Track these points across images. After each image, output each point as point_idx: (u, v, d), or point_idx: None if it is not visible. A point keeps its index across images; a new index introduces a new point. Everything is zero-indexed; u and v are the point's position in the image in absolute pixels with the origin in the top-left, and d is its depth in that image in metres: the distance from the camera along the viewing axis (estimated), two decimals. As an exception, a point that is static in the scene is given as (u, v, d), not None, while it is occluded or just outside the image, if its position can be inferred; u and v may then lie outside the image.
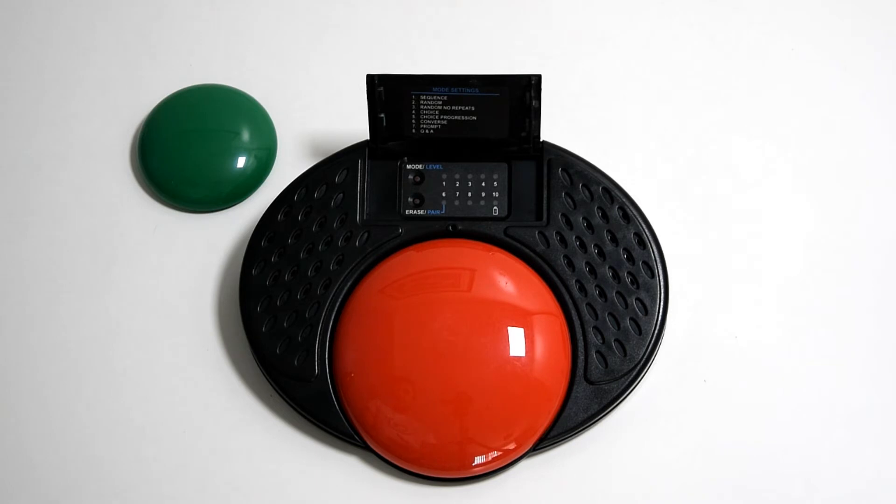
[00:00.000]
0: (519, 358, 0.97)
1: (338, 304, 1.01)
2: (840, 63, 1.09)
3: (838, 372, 1.01)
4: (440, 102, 1.01)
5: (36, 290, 1.05)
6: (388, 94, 1.01)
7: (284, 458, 1.00)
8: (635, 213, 1.01)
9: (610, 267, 1.00)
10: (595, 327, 0.99)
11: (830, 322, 1.03)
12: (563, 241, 1.01)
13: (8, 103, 1.10)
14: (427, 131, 1.02)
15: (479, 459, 0.97)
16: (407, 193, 1.03)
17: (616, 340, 0.99)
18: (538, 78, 1.00)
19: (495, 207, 1.02)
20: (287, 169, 1.07)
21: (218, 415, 1.02)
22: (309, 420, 1.00)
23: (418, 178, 1.03)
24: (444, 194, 1.03)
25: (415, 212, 1.03)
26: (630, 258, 1.01)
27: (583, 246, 1.01)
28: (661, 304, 1.00)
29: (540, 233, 1.01)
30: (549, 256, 1.01)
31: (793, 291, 1.03)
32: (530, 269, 1.01)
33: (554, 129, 1.04)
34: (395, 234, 1.02)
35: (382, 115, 1.02)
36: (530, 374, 0.98)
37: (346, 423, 0.99)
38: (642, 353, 0.99)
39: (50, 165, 1.08)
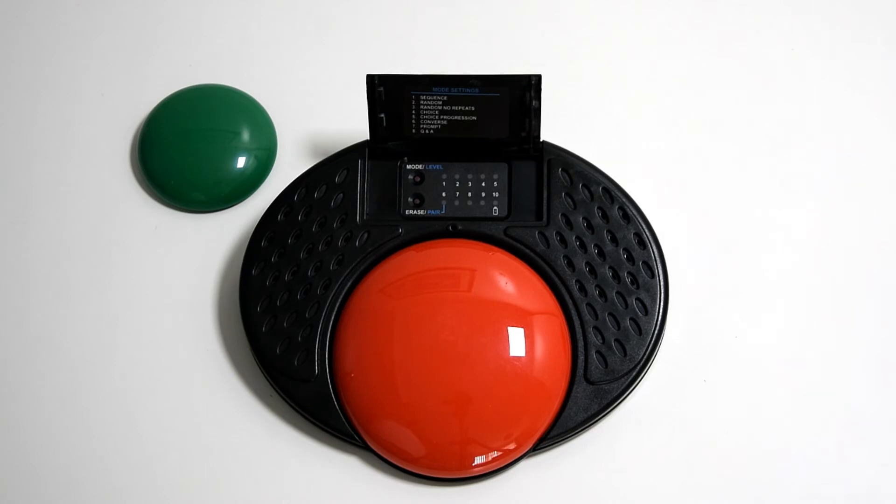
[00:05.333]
0: (519, 358, 0.97)
1: (338, 304, 1.01)
2: (840, 63, 1.09)
3: (838, 372, 1.01)
4: (440, 102, 1.01)
5: (36, 290, 1.05)
6: (388, 94, 1.01)
7: (284, 458, 1.00)
8: (635, 213, 1.01)
9: (610, 267, 1.00)
10: (595, 327, 0.99)
11: (830, 322, 1.03)
12: (563, 241, 1.01)
13: (8, 103, 1.10)
14: (427, 131, 1.02)
15: (479, 459, 0.97)
16: (407, 193, 1.03)
17: (616, 340, 0.99)
18: (538, 78, 1.00)
19: (495, 207, 1.02)
20: (287, 169, 1.07)
21: (218, 415, 1.02)
22: (309, 420, 1.00)
23: (418, 178, 1.03)
24: (444, 194, 1.03)
25: (415, 212, 1.03)
26: (630, 258, 1.01)
27: (583, 246, 1.01)
28: (661, 304, 1.00)
29: (540, 233, 1.01)
30: (549, 256, 1.01)
31: (793, 291, 1.03)
32: (530, 269, 1.01)
33: (554, 129, 1.04)
34: (395, 234, 1.02)
35: (382, 115, 1.02)
36: (530, 374, 0.98)
37: (346, 423, 0.99)
38: (642, 353, 0.99)
39: (50, 165, 1.08)
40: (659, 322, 1.00)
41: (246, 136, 1.07)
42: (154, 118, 1.08)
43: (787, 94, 1.09)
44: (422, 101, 1.01)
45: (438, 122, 1.01)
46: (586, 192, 1.02)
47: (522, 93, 1.00)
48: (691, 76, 1.09)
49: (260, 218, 1.03)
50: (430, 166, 1.03)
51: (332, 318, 1.00)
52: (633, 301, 1.00)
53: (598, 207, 1.01)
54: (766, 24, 1.11)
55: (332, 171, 1.03)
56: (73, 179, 1.08)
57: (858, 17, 1.11)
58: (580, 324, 0.99)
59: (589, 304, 1.00)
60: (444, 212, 1.03)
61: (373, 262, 1.01)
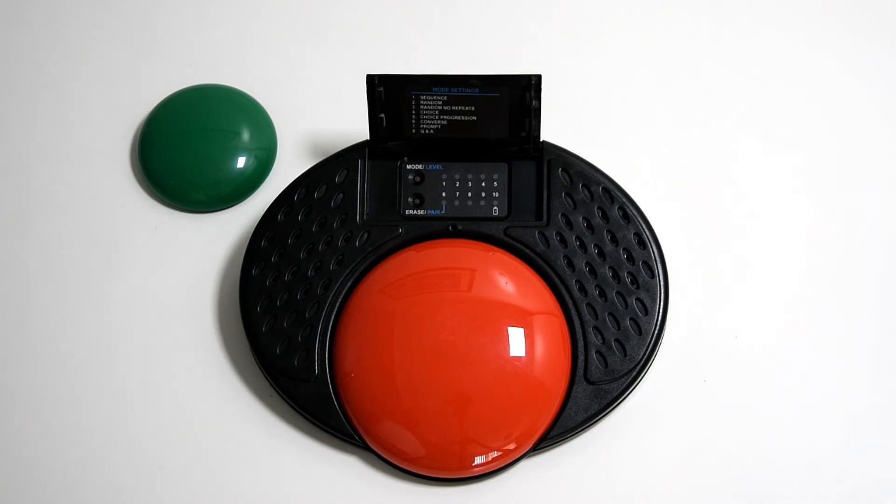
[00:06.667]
0: (519, 358, 0.97)
1: (338, 304, 1.01)
2: (840, 62, 1.09)
3: (839, 372, 1.01)
4: (440, 102, 1.01)
5: (36, 290, 1.05)
6: (388, 94, 1.01)
7: (284, 458, 1.00)
8: (635, 213, 1.01)
9: (610, 267, 1.00)
10: (595, 327, 0.99)
11: (831, 322, 1.03)
12: (563, 241, 1.01)
13: (8, 103, 1.10)
14: (427, 131, 1.02)
15: (479, 459, 0.97)
16: (407, 193, 1.03)
17: (616, 340, 0.99)
18: (538, 78, 1.00)
19: (495, 207, 1.02)
20: (287, 169, 1.07)
21: (218, 415, 1.02)
22: (309, 420, 1.00)
23: (418, 178, 1.03)
24: (444, 194, 1.03)
25: (415, 212, 1.03)
26: (630, 258, 1.01)
27: (583, 246, 1.01)
28: (661, 304, 1.00)
29: (540, 233, 1.01)
30: (549, 256, 1.01)
31: (793, 291, 1.03)
32: (530, 269, 1.01)
33: (554, 129, 1.04)
34: (395, 234, 1.02)
35: (382, 115, 1.02)
36: (530, 374, 0.98)
37: (346, 423, 0.99)
38: (642, 353, 0.99)
39: (50, 165, 1.08)
40: (659, 322, 1.00)
41: (246, 136, 1.07)
42: (154, 118, 1.08)
43: (789, 93, 1.09)
44: (422, 101, 1.01)
45: (438, 122, 1.01)
46: (586, 192, 1.02)
47: (522, 93, 1.00)
48: (692, 76, 1.09)
49: (260, 218, 1.03)
50: (430, 166, 1.03)
51: (332, 318, 1.00)
52: (633, 301, 1.00)
53: (598, 207, 1.01)
54: (767, 25, 1.11)
55: (332, 171, 1.03)
56: (73, 179, 1.08)
57: (858, 16, 1.11)
58: (580, 324, 0.99)
59: (589, 304, 1.00)
60: (444, 212, 1.03)
61: (373, 262, 1.01)
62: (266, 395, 1.02)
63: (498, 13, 1.12)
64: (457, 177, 1.03)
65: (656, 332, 0.99)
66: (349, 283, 1.01)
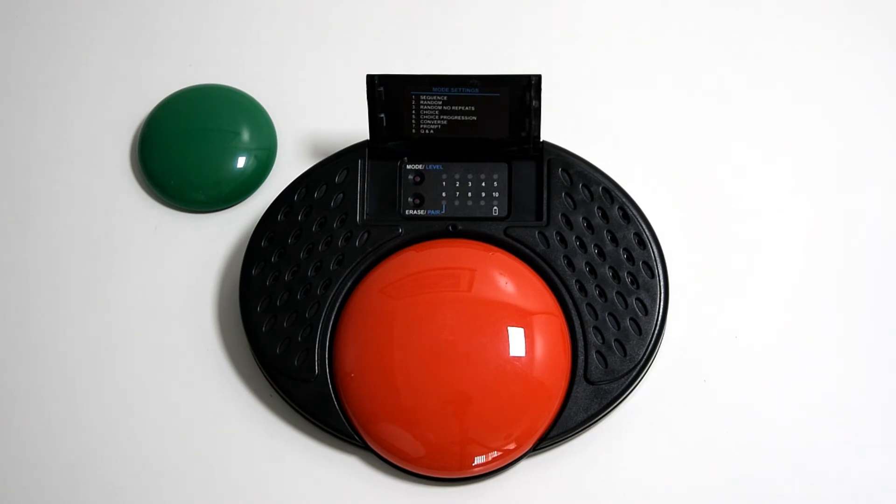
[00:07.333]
0: (519, 358, 0.97)
1: (338, 304, 1.01)
2: (840, 62, 1.09)
3: (839, 372, 1.01)
4: (440, 102, 1.01)
5: (35, 291, 1.05)
6: (388, 94, 1.01)
7: (284, 458, 1.01)
8: (635, 213, 1.01)
9: (610, 267, 1.00)
10: (595, 327, 0.99)
11: (831, 322, 1.03)
12: (563, 241, 1.01)
13: (8, 103, 1.10)
14: (427, 131, 1.02)
15: (479, 459, 0.97)
16: (407, 193, 1.03)
17: (616, 340, 0.99)
18: (538, 78, 1.00)
19: (495, 207, 1.02)
20: (287, 169, 1.07)
21: (218, 415, 1.02)
22: (309, 420, 1.00)
23: (418, 178, 1.03)
24: (444, 194, 1.03)
25: (415, 212, 1.03)
26: (630, 258, 1.01)
27: (583, 246, 1.01)
28: (661, 304, 1.00)
29: (540, 233, 1.01)
30: (549, 256, 1.01)
31: (793, 291, 1.03)
32: (530, 269, 1.01)
33: (554, 129, 1.04)
34: (395, 234, 1.02)
35: (382, 115, 1.02)
36: (530, 374, 0.98)
37: (346, 423, 0.99)
38: (642, 353, 0.99)
39: (50, 165, 1.08)
40: (659, 322, 1.00)
41: (246, 136, 1.07)
42: (154, 118, 1.08)
43: (789, 94, 1.09)
44: (422, 101, 1.01)
45: (438, 122, 1.01)
46: (586, 192, 1.02)
47: (522, 93, 1.00)
48: (692, 76, 1.09)
49: (260, 218, 1.03)
50: (430, 166, 1.03)
51: (332, 318, 1.00)
52: (633, 301, 1.00)
53: (598, 207, 1.01)
54: (768, 24, 1.11)
55: (332, 171, 1.03)
56: (74, 179, 1.08)
57: (858, 15, 1.11)
58: (580, 324, 0.99)
59: (589, 304, 1.00)
60: (444, 212, 1.03)
61: (373, 262, 1.01)
62: (266, 395, 1.02)
63: (498, 13, 1.12)
64: (457, 177, 1.03)
65: (656, 332, 0.99)
66: (349, 283, 1.01)
